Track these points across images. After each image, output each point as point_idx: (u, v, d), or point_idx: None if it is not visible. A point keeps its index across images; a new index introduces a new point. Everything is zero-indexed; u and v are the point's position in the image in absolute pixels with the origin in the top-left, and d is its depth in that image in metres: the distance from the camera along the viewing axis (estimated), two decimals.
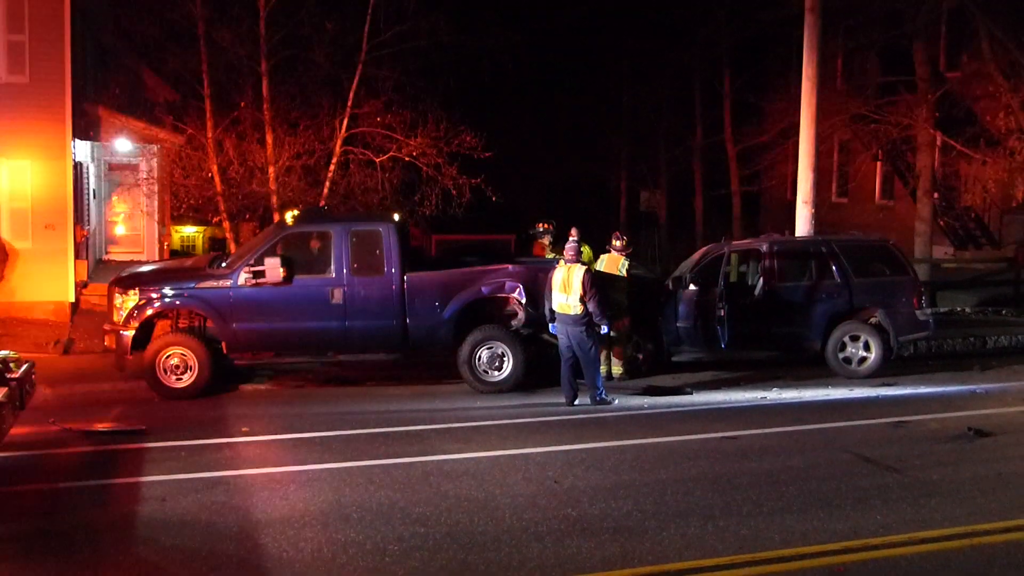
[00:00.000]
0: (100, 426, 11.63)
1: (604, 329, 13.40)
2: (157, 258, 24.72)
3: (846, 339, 15.33)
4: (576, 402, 13.22)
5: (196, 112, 22.18)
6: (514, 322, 14.57)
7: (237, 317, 14.02)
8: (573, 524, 7.89)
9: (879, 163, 28.93)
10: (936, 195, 25.26)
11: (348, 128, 22.23)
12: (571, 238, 14.31)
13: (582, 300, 12.86)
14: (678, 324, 15.47)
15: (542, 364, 14.60)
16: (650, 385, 14.58)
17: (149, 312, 14.07)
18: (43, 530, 7.94)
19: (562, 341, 13.22)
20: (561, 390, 13.37)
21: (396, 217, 15.29)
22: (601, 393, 13.21)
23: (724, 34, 33.76)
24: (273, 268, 13.83)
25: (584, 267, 13.11)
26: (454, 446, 10.70)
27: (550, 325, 13.45)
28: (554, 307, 13.16)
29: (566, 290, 12.95)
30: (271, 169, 21.70)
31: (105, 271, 21.76)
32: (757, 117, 31.74)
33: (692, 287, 15.41)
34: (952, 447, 10.45)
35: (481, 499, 8.58)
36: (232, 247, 21.74)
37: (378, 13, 21.95)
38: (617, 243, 15.07)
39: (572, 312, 12.95)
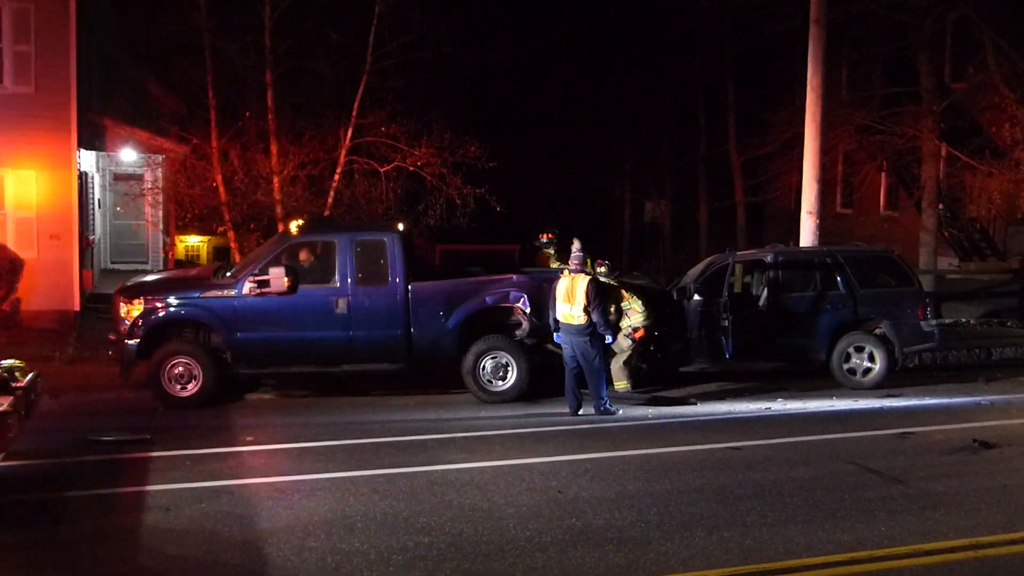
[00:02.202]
0: (105, 435, 11.62)
1: (608, 339, 13.42)
2: (162, 268, 24.76)
3: (851, 350, 15.33)
4: (580, 412, 13.22)
5: (201, 122, 22.22)
6: (518, 332, 14.58)
7: (241, 327, 14.03)
8: (577, 534, 7.88)
9: (884, 174, 28.90)
10: (941, 206, 25.25)
11: (352, 138, 22.27)
12: (574, 249, 14.29)
13: (586, 310, 12.87)
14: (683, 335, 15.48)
15: (546, 374, 14.61)
16: (655, 395, 14.58)
17: (154, 321, 14.08)
18: (48, 539, 7.94)
19: (566, 351, 13.23)
20: (565, 400, 13.38)
21: (400, 227, 15.31)
22: (605, 403, 13.21)
23: (728, 45, 33.81)
24: (277, 278, 13.85)
25: (588, 277, 13.11)
26: (458, 456, 10.70)
27: (554, 334, 13.48)
28: (558, 317, 13.18)
29: (570, 300, 12.96)
30: (276, 179, 21.73)
31: (110, 280, 21.80)
32: (761, 128, 31.70)
33: (696, 298, 15.42)
34: (957, 459, 10.43)
35: (485, 509, 8.57)
36: (236, 257, 21.76)
37: (383, 24, 22.00)
38: (602, 269, 14.66)
39: (576, 322, 12.96)
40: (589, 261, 13.68)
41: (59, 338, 19.02)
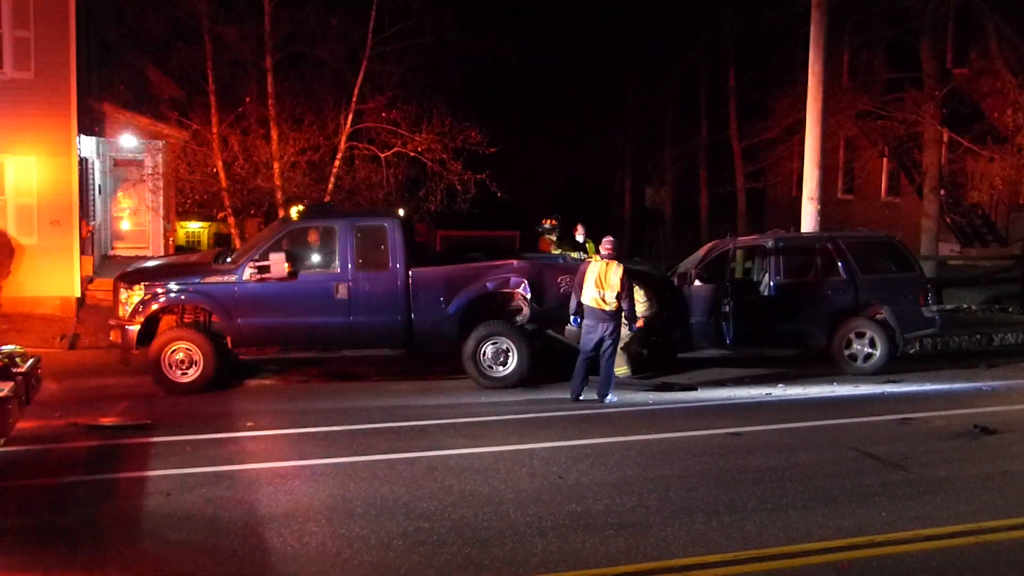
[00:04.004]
0: (105, 420, 11.64)
1: (633, 327, 13.47)
2: (162, 253, 24.73)
3: (852, 336, 15.33)
4: (581, 398, 13.20)
5: (201, 108, 22.18)
6: (519, 318, 14.58)
7: (242, 312, 14.03)
8: (577, 520, 7.88)
9: (885, 160, 28.85)
10: (943, 192, 25.20)
11: (353, 124, 22.23)
12: (577, 234, 14.28)
13: (618, 297, 12.87)
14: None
15: (547, 360, 14.61)
16: (664, 382, 14.55)
17: (154, 307, 14.07)
18: (49, 524, 7.95)
19: (589, 337, 13.10)
20: (569, 385, 13.36)
21: (401, 212, 15.29)
22: (611, 389, 13.19)
23: (729, 31, 33.69)
24: (278, 263, 13.84)
25: (622, 265, 13.10)
26: (459, 441, 10.70)
27: (571, 319, 13.39)
28: (585, 301, 13.09)
29: (602, 286, 12.90)
30: (276, 165, 21.70)
31: (110, 266, 21.80)
32: (763, 114, 31.67)
33: (697, 283, 15.40)
34: (958, 444, 10.43)
35: (486, 494, 8.58)
36: (237, 242, 21.75)
37: (383, 9, 21.93)
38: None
39: (608, 308, 12.92)
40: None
41: (60, 324, 19.04)
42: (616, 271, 12.93)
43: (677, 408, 12.99)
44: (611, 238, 13.38)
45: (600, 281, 12.94)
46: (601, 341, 13.00)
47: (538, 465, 9.61)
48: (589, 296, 13.03)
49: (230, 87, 22.58)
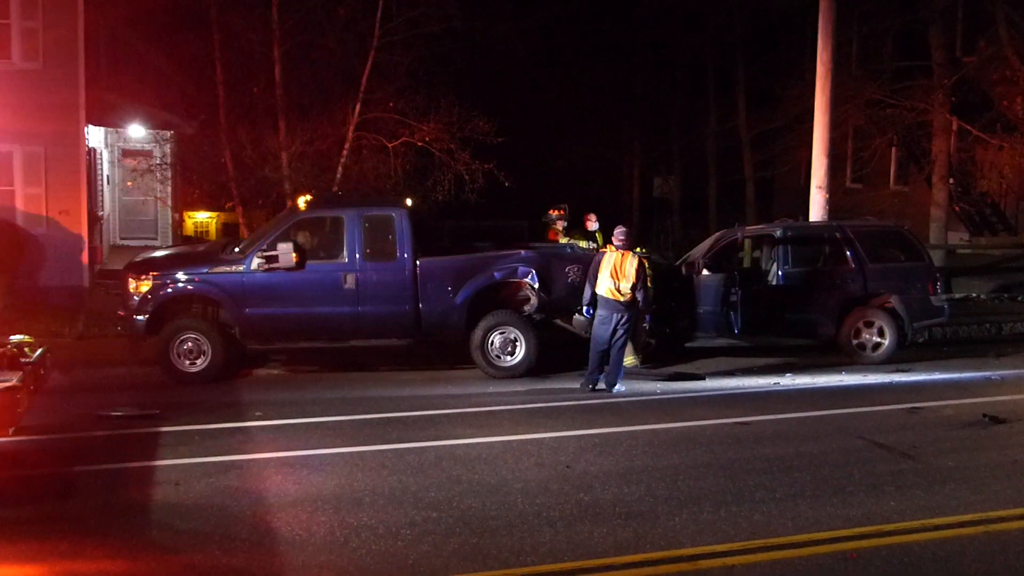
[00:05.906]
0: (114, 410, 11.66)
1: (648, 318, 13.46)
2: (170, 243, 24.76)
3: (860, 325, 15.30)
4: (591, 389, 13.18)
5: (209, 98, 22.15)
6: (527, 307, 14.56)
7: (250, 302, 14.04)
8: (585, 509, 7.89)
9: (894, 148, 28.76)
10: (952, 181, 25.12)
11: (360, 114, 22.18)
12: (590, 223, 14.21)
13: (633, 288, 12.85)
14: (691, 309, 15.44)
15: (554, 350, 14.59)
16: (672, 372, 14.53)
17: (162, 297, 14.10)
18: (57, 514, 7.98)
19: (603, 328, 13.06)
20: (577, 374, 13.33)
21: (408, 202, 15.27)
22: (620, 379, 13.18)
23: (738, 20, 33.56)
24: (286, 253, 13.84)
25: (637, 256, 13.08)
26: (466, 431, 10.72)
27: (585, 308, 13.36)
28: (600, 292, 13.05)
29: (618, 276, 12.87)
30: (284, 155, 21.68)
31: (119, 256, 21.81)
32: (771, 103, 31.56)
33: (705, 272, 15.37)
34: (967, 433, 10.42)
35: (493, 484, 8.59)
36: (245, 232, 21.75)
37: None
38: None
39: (623, 298, 12.89)
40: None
41: (69, 314, 19.04)
42: (632, 262, 12.91)
43: (685, 398, 12.99)
44: (624, 228, 13.33)
45: (616, 272, 12.91)
46: (614, 331, 12.99)
47: (546, 455, 9.61)
48: (604, 287, 12.99)
49: (238, 77, 22.56)
